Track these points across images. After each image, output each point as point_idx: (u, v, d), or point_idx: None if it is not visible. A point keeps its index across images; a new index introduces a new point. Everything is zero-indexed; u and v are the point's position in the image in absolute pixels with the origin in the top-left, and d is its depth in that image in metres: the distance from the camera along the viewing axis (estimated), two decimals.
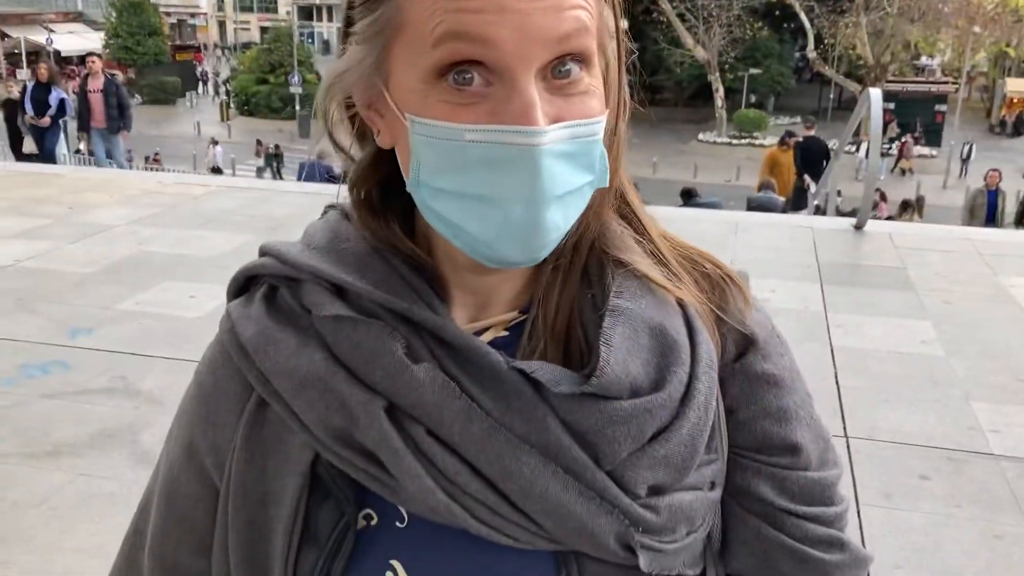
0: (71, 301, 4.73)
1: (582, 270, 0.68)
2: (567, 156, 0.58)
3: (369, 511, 0.66)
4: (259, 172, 23.97)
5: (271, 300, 0.69)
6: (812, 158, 11.06)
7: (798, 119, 34.82)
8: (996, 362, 4.22)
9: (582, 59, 0.58)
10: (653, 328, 0.65)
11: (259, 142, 26.20)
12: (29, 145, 11.26)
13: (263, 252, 0.72)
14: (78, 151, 12.23)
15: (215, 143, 24.35)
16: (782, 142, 12.19)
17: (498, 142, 0.56)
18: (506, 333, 0.69)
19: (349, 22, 0.63)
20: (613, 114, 0.64)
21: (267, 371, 0.66)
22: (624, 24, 0.65)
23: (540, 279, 0.68)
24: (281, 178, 22.67)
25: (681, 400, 0.64)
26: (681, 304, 0.68)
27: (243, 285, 0.73)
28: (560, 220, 0.60)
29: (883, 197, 15.62)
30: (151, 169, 18.19)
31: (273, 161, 24.65)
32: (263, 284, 0.71)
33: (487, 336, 0.68)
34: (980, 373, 4.10)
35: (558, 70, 0.58)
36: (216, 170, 21.43)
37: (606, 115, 0.61)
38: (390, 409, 0.62)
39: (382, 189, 0.69)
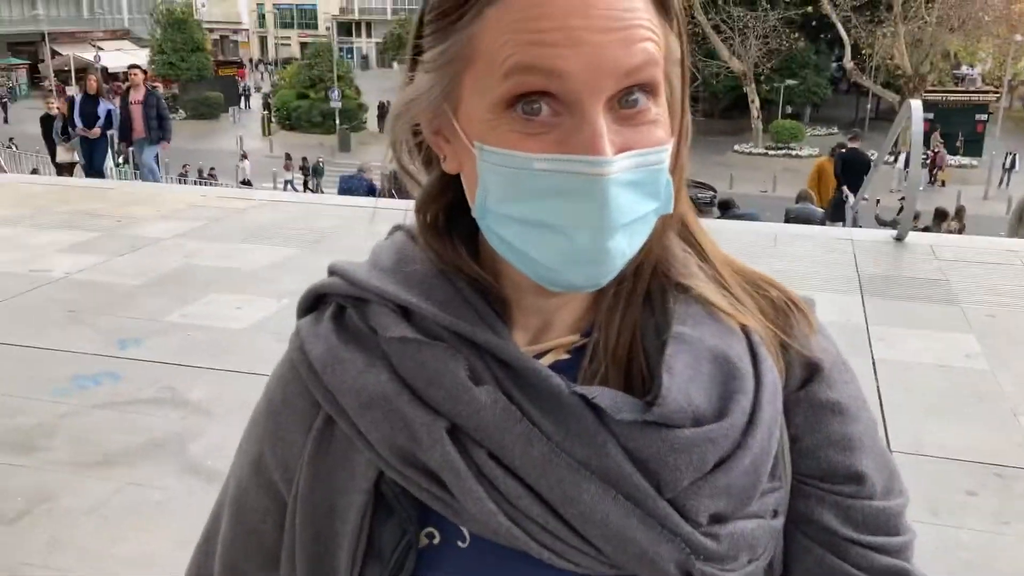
0: (120, 313, 4.83)
1: (644, 295, 0.69)
2: (634, 185, 0.59)
3: (431, 530, 0.68)
4: (287, 185, 24.82)
5: (339, 319, 0.71)
6: (852, 171, 10.94)
7: (835, 129, 34.56)
8: None
9: (649, 89, 0.60)
10: (716, 355, 0.66)
11: (288, 156, 26.95)
12: (63, 155, 11.54)
13: (331, 271, 0.74)
14: (118, 164, 12.48)
15: (244, 157, 25.19)
16: (833, 153, 12.12)
17: (566, 171, 0.58)
18: (567, 356, 0.69)
19: (418, 50, 0.65)
20: (676, 140, 0.65)
21: (334, 389, 0.68)
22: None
23: (602, 303, 0.69)
24: (309, 190, 23.36)
25: (744, 429, 0.64)
26: (745, 330, 0.68)
27: (312, 303, 0.75)
28: (626, 247, 0.61)
29: None
30: (207, 183, 18.74)
31: (310, 174, 25.29)
32: (331, 303, 0.73)
33: (548, 359, 0.69)
34: None
35: (625, 100, 0.59)
36: (246, 183, 22.44)
37: (672, 143, 0.63)
38: (453, 431, 0.64)
39: (447, 212, 0.71)
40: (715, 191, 10.24)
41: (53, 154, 11.88)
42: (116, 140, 11.31)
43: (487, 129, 0.60)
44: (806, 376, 0.70)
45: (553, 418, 0.63)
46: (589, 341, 0.69)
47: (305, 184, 26.30)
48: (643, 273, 0.68)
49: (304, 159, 27.17)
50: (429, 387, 0.65)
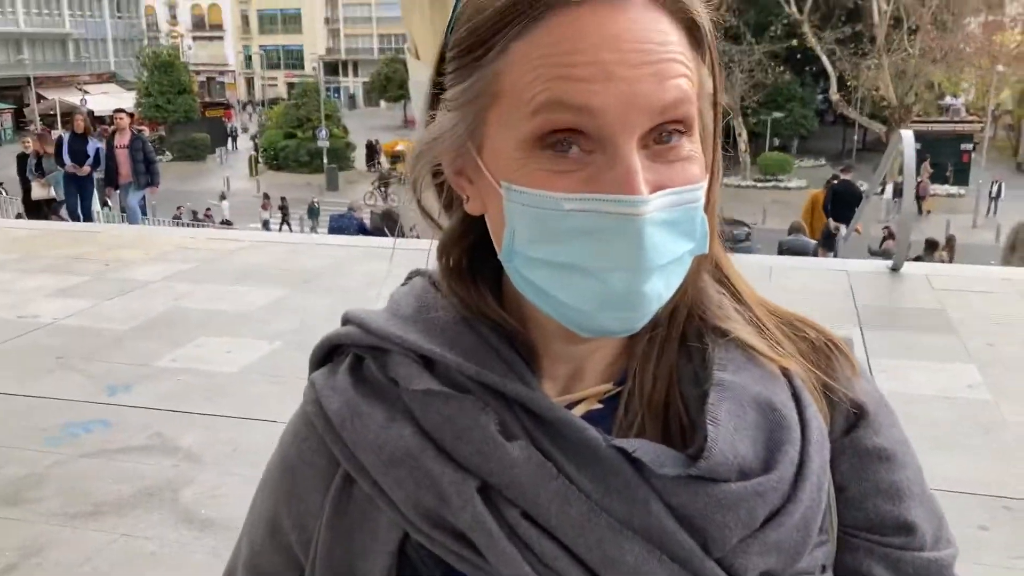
0: (109, 358, 4.76)
1: (680, 339, 0.66)
2: (669, 224, 0.57)
3: None
4: (265, 225, 25.91)
5: (357, 371, 0.68)
6: (843, 202, 11.03)
7: (823, 161, 34.96)
8: None
9: (684, 126, 0.57)
10: (760, 403, 0.62)
11: (266, 196, 27.92)
12: (38, 191, 11.54)
13: (346, 320, 0.70)
14: (105, 204, 12.48)
15: (223, 198, 26.06)
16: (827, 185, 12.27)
17: (600, 211, 0.55)
18: (600, 406, 0.66)
19: (439, 88, 0.63)
20: (709, 178, 0.63)
21: (354, 445, 0.64)
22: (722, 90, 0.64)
23: (635, 349, 0.66)
24: (291, 229, 24.21)
25: (793, 481, 0.61)
26: (787, 374, 0.65)
27: (326, 354, 0.71)
28: (662, 289, 0.58)
29: (891, 235, 15.62)
30: (202, 225, 19.21)
31: (288, 214, 26.15)
32: (348, 354, 0.69)
33: (580, 409, 0.66)
34: None
35: (659, 136, 0.56)
36: (226, 223, 23.60)
37: (707, 180, 0.60)
38: (483, 489, 0.60)
39: (470, 255, 0.68)
40: (749, 227, 10.34)
41: (27, 191, 11.86)
42: (103, 184, 11.29)
43: (514, 168, 0.58)
44: (851, 421, 0.67)
45: (591, 473, 0.60)
46: (623, 389, 0.66)
47: (283, 223, 26.93)
48: (678, 316, 0.66)
49: (283, 199, 27.80)
50: (457, 442, 0.61)
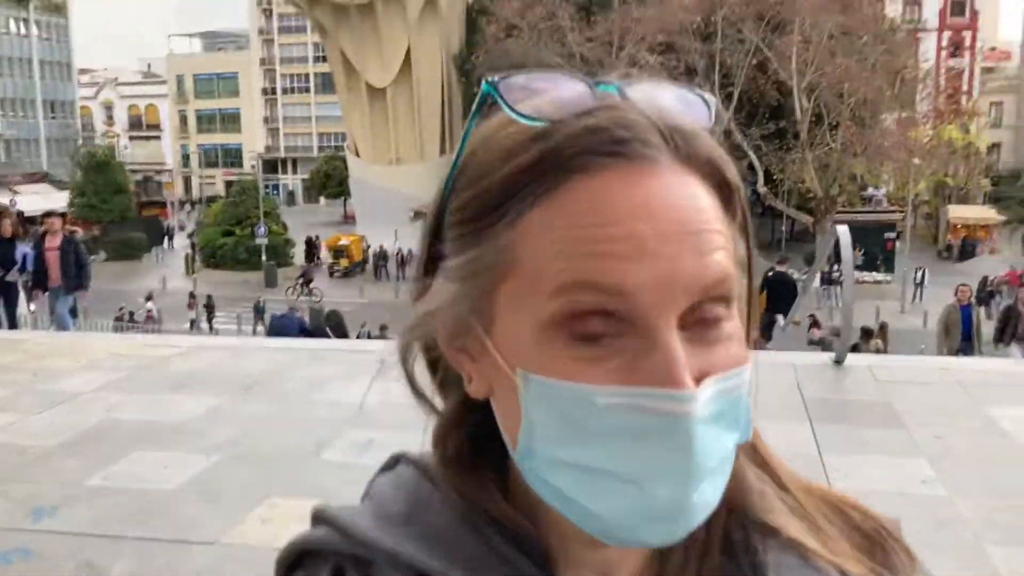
0: (34, 479, 4.46)
1: (722, 539, 0.58)
2: (717, 417, 0.49)
3: None
4: (193, 325, 26.33)
5: None
6: (778, 293, 11.28)
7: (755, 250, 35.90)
8: (1002, 501, 4.11)
9: (725, 302, 0.51)
10: None
11: (191, 295, 28.16)
12: None
13: (318, 519, 0.60)
14: (30, 309, 12.07)
15: (150, 298, 26.67)
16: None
17: (641, 408, 0.47)
18: None
19: (436, 255, 0.55)
20: None
21: None
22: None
23: (672, 553, 0.57)
24: (214, 331, 24.46)
25: None
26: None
27: (295, 562, 0.60)
28: (710, 495, 0.50)
29: (816, 323, 15.95)
30: (142, 330, 18.92)
31: (210, 312, 26.80)
32: (328, 561, 0.58)
33: None
34: (988, 513, 3.98)
35: (697, 313, 0.49)
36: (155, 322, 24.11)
37: (750, 361, 0.52)
38: None
39: (471, 441, 0.59)
40: None
41: None
42: (30, 286, 10.90)
43: (532, 353, 0.49)
44: None
45: None
46: None
47: (209, 321, 26.99)
48: (719, 514, 0.56)
49: (208, 297, 27.83)
50: None
